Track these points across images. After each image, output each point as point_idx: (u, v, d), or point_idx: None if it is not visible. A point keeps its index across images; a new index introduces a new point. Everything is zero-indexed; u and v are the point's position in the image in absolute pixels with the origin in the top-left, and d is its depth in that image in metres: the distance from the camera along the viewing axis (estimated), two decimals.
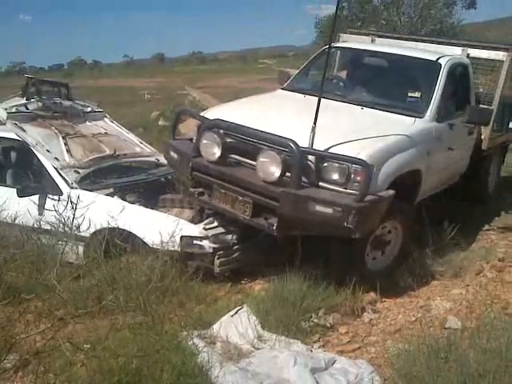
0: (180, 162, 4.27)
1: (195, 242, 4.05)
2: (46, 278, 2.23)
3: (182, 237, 3.95)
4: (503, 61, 5.25)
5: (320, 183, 3.59)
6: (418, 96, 4.58)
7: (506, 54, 5.24)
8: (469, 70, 5.16)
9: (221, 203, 3.92)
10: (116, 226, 3.93)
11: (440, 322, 3.37)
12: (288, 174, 3.55)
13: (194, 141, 4.16)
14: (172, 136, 4.54)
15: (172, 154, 4.38)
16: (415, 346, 2.76)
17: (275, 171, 3.57)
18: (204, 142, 3.97)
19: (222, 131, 3.94)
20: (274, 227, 3.62)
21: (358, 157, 3.49)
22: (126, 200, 4.46)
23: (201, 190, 4.09)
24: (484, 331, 2.78)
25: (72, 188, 4.43)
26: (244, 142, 3.88)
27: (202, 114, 4.43)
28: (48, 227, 3.78)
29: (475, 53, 5.37)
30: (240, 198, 3.77)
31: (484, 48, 5.42)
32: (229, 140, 3.92)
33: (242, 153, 3.92)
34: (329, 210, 3.39)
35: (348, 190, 3.50)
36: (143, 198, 4.73)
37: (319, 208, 3.42)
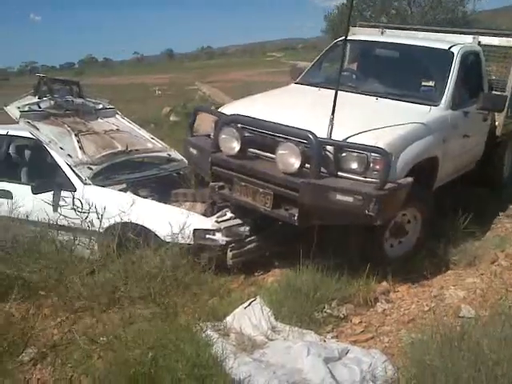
0: (199, 158, 4.34)
1: (208, 235, 4.09)
2: (62, 273, 2.27)
3: (194, 230, 3.99)
4: None
5: (339, 173, 3.63)
6: (432, 85, 4.62)
7: None
8: (481, 58, 5.16)
9: (242, 196, 3.97)
10: (129, 221, 3.98)
11: (454, 311, 3.35)
12: (307, 165, 3.60)
13: (213, 136, 4.22)
14: (190, 133, 4.60)
15: (191, 150, 4.45)
16: (429, 335, 2.75)
17: (295, 162, 3.62)
18: (223, 136, 4.02)
19: (240, 125, 3.99)
20: (295, 217, 3.66)
21: (377, 145, 3.52)
22: (138, 195, 4.51)
23: (221, 183, 4.14)
24: (498, 320, 2.76)
25: (85, 184, 4.48)
26: (262, 136, 3.93)
27: (219, 110, 4.49)
28: (63, 223, 3.84)
29: (486, 40, 5.38)
30: (261, 190, 3.82)
31: (495, 35, 5.45)
32: (247, 134, 3.97)
33: (260, 146, 3.97)
34: (349, 199, 3.44)
35: (367, 179, 3.54)
36: (156, 193, 4.77)
37: (340, 197, 3.47)
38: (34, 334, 2.19)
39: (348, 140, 3.63)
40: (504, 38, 5.39)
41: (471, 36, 5.44)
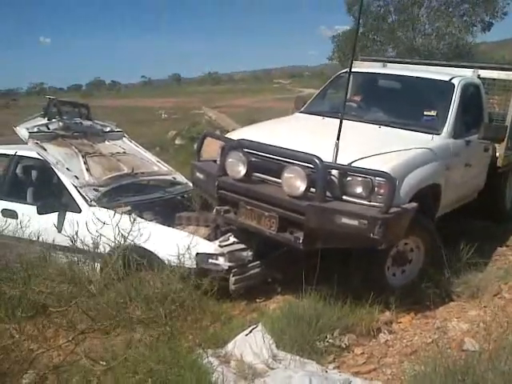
0: (206, 182, 4.40)
1: (211, 259, 4.09)
2: (66, 294, 2.28)
3: (197, 254, 3.99)
4: None
5: (344, 197, 3.68)
6: (434, 114, 4.70)
7: None
8: (480, 90, 5.31)
9: (247, 220, 4.00)
10: (133, 243, 3.98)
11: (457, 344, 3.33)
12: (312, 188, 3.65)
13: (219, 161, 4.29)
14: (197, 157, 4.67)
15: (198, 174, 4.52)
16: (432, 367, 2.72)
17: (300, 186, 3.67)
18: (229, 160, 4.09)
19: (246, 150, 4.06)
20: (301, 241, 3.69)
21: (381, 169, 3.58)
22: (143, 217, 4.52)
23: (227, 207, 4.17)
24: (502, 354, 2.73)
25: (91, 206, 4.51)
26: (268, 160, 3.99)
27: (226, 136, 4.58)
28: (67, 244, 3.84)
29: (486, 73, 5.55)
30: (266, 214, 3.85)
31: (493, 69, 5.62)
32: (253, 159, 4.03)
33: (266, 170, 4.03)
34: (354, 222, 3.48)
35: (372, 203, 3.58)
36: (160, 216, 4.79)
37: (345, 220, 3.51)
38: (36, 356, 2.18)
39: (353, 164, 3.69)
40: (502, 72, 5.56)
41: (471, 69, 5.60)
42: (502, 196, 5.94)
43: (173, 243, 3.99)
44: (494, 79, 5.59)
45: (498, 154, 5.39)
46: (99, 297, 2.70)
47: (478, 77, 5.50)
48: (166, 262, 3.94)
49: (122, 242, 3.98)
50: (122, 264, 3.08)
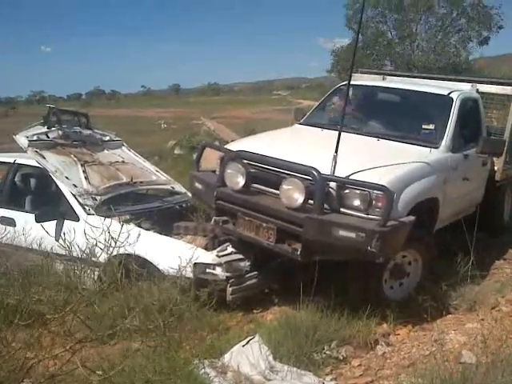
0: (205, 192, 4.42)
1: (208, 269, 4.08)
2: (64, 303, 2.27)
3: (195, 264, 3.98)
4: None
5: (341, 209, 3.69)
6: (432, 128, 4.71)
7: None
8: (479, 104, 5.32)
9: (245, 231, 4.01)
10: (131, 252, 3.98)
11: (455, 357, 3.31)
12: (310, 201, 3.66)
13: (218, 171, 4.31)
14: (196, 168, 4.69)
15: (197, 184, 4.54)
16: (429, 380, 2.71)
17: (298, 197, 3.68)
18: (228, 171, 4.10)
19: (245, 161, 4.07)
20: (298, 252, 3.70)
21: (379, 183, 3.58)
22: (141, 227, 4.52)
23: (225, 218, 4.18)
24: (499, 367, 2.72)
25: (89, 214, 4.51)
26: (267, 172, 4.00)
27: (225, 146, 4.61)
28: (65, 252, 3.84)
29: (484, 88, 5.57)
30: (264, 225, 3.86)
31: (491, 83, 5.65)
32: (252, 170, 4.04)
33: (264, 182, 4.04)
34: (352, 235, 3.48)
35: (370, 216, 3.58)
36: (158, 225, 4.78)
37: (343, 233, 3.51)
38: (33, 364, 2.17)
39: (351, 177, 3.70)
40: (500, 86, 5.59)
41: (469, 84, 5.62)
42: (500, 210, 5.95)
43: (170, 252, 3.99)
44: (493, 94, 5.61)
45: (496, 168, 5.40)
46: (97, 306, 2.69)
47: (477, 91, 5.52)
48: (164, 271, 3.94)
49: (120, 251, 3.98)
50: (120, 273, 3.07)
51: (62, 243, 3.86)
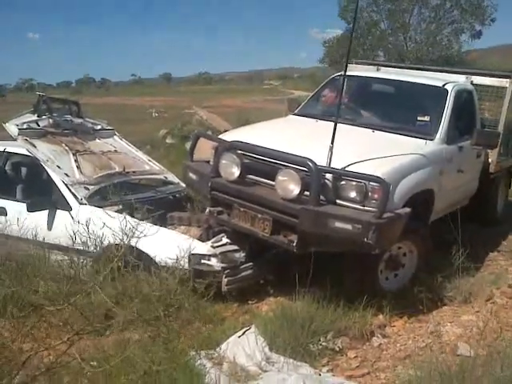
0: (199, 183, 4.37)
1: (203, 260, 4.04)
2: (59, 294, 2.22)
3: (190, 254, 3.94)
4: (506, 87, 5.44)
5: (337, 201, 3.66)
6: (427, 120, 4.70)
7: (508, 80, 5.45)
8: (473, 96, 5.32)
9: (240, 222, 3.97)
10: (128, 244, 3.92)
11: (451, 349, 3.32)
12: (306, 192, 3.62)
13: (212, 162, 4.24)
14: (190, 158, 4.62)
15: (191, 175, 4.48)
16: (427, 372, 2.70)
17: (294, 189, 3.65)
18: (223, 162, 4.05)
19: (240, 152, 4.02)
20: (294, 244, 3.68)
21: (375, 174, 3.55)
22: (133, 216, 4.46)
23: (220, 209, 4.13)
24: (497, 359, 2.72)
25: (81, 204, 4.44)
26: (262, 162, 3.96)
27: (219, 136, 4.54)
28: (57, 242, 3.78)
29: (478, 80, 5.57)
30: (259, 216, 3.83)
31: (486, 75, 5.64)
32: (247, 160, 3.99)
33: (260, 172, 4.00)
34: (348, 226, 3.47)
35: (365, 207, 3.56)
36: (151, 215, 4.72)
37: (338, 224, 3.50)
38: (29, 356, 2.13)
39: (347, 169, 3.67)
40: (494, 79, 5.58)
41: (464, 76, 5.61)
42: (494, 201, 5.99)
43: (164, 243, 3.94)
44: (487, 86, 5.60)
45: (490, 160, 5.42)
46: (94, 296, 2.65)
47: (471, 83, 5.51)
48: (158, 261, 3.89)
49: (113, 242, 3.92)
50: (117, 264, 3.02)
51: (60, 233, 3.81)
